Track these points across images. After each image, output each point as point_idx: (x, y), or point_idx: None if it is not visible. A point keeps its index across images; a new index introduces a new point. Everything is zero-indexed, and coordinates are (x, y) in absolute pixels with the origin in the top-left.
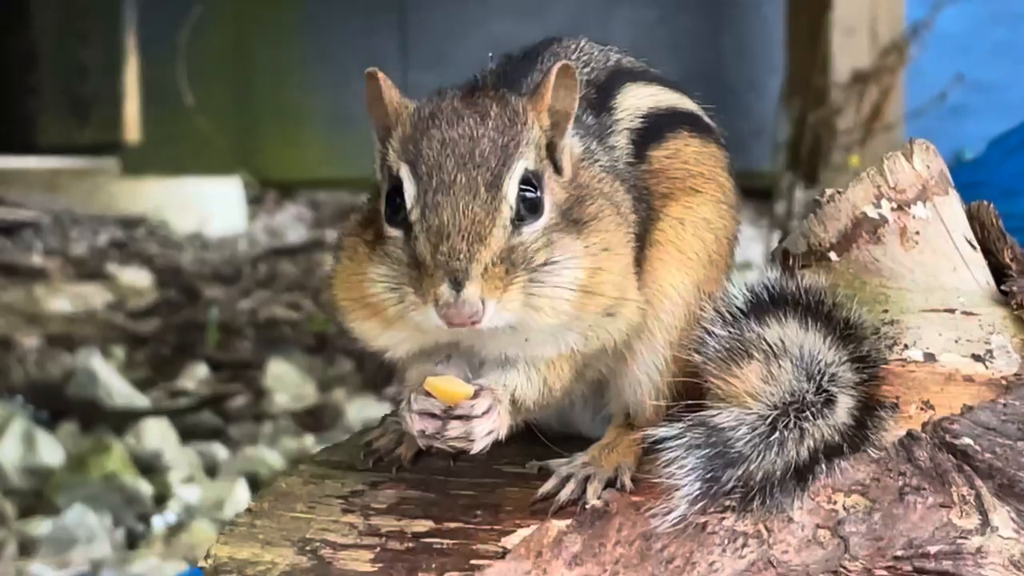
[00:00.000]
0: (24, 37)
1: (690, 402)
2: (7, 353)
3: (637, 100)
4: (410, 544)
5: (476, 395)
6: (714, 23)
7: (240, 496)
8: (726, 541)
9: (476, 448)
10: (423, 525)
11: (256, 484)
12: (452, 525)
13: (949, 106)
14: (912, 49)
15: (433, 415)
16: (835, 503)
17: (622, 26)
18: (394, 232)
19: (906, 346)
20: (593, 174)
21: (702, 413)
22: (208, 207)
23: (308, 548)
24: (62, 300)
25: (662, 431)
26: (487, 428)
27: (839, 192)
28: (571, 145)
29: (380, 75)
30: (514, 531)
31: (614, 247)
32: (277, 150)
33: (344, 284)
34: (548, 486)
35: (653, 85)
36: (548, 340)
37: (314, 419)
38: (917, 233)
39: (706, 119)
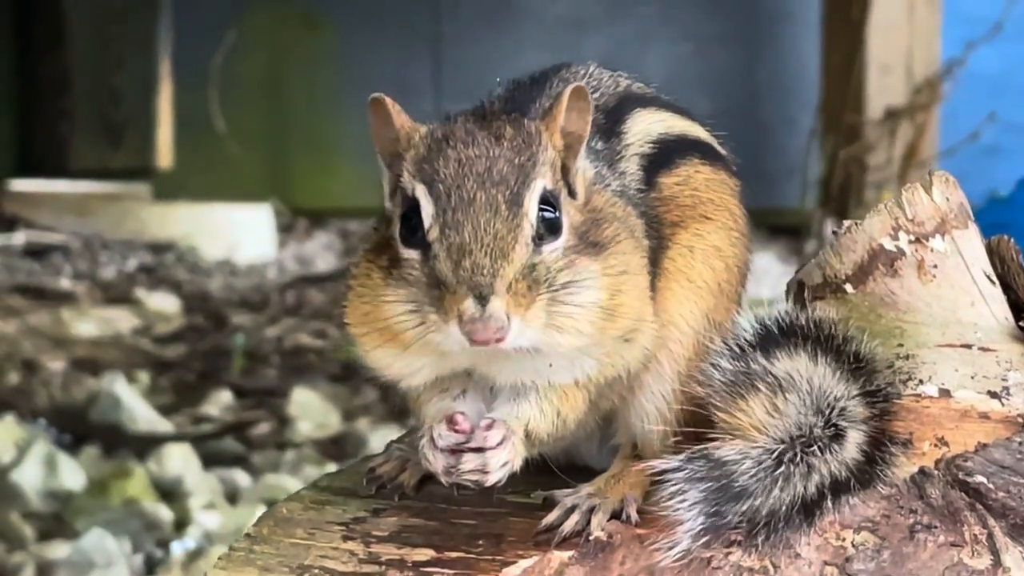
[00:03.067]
0: (58, 61)
1: (696, 431)
2: (32, 376)
3: (647, 125)
4: (410, 573)
5: (489, 427)
6: (749, 58)
7: None
8: None
9: (491, 480)
10: (424, 554)
11: None
12: (453, 554)
13: (983, 146)
14: (946, 88)
15: (451, 450)
16: (843, 540)
17: (656, 60)
18: (411, 254)
19: (921, 381)
20: (606, 198)
21: (705, 446)
22: (238, 234)
23: (307, 575)
24: (89, 324)
25: (663, 464)
26: (502, 459)
27: (856, 223)
28: (584, 168)
29: (387, 100)
30: (516, 562)
31: (632, 270)
32: (308, 178)
33: (358, 311)
34: (552, 517)
35: (663, 111)
36: (565, 366)
37: (337, 448)
38: (935, 266)
39: (717, 147)
